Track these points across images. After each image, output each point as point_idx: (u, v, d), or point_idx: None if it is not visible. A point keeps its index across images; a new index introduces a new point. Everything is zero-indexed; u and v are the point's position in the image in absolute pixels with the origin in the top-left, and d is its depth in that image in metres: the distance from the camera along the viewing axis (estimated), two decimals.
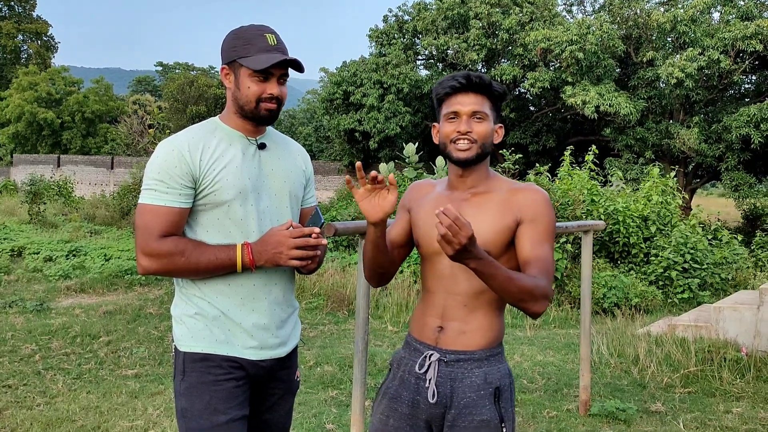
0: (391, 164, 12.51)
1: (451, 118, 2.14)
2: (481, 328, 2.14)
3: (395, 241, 2.29)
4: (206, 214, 2.15)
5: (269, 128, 2.32)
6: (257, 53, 2.13)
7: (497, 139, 2.21)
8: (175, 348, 2.20)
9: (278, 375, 2.30)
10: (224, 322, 2.16)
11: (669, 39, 22.95)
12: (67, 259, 11.81)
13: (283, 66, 2.16)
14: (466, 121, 2.11)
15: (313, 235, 2.13)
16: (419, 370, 2.17)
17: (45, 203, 19.60)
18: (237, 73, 2.17)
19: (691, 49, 20.79)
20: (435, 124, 2.26)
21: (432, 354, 2.15)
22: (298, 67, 2.19)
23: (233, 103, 2.21)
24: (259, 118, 2.20)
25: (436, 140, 2.24)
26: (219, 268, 2.12)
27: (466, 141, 2.11)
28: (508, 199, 2.13)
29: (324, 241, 2.15)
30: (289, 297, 2.31)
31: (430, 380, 2.13)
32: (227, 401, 2.12)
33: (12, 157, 42.31)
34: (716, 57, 20.38)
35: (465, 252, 1.79)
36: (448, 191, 2.22)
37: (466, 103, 2.12)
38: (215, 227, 2.16)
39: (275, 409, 2.33)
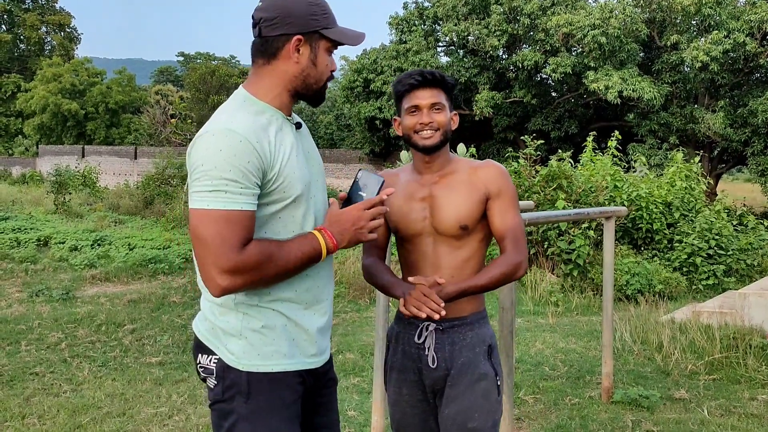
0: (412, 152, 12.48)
1: (413, 112, 2.35)
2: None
3: (383, 240, 2.51)
4: (265, 215, 1.88)
5: None
6: (336, 25, 1.92)
7: (454, 126, 2.43)
8: (226, 366, 1.91)
9: (327, 376, 2.14)
10: (290, 330, 1.94)
11: (693, 22, 22.55)
12: (92, 248, 11.94)
13: None
14: (426, 113, 2.33)
15: (382, 208, 2.00)
16: (418, 340, 2.38)
17: (70, 193, 19.82)
18: (315, 46, 1.90)
19: (716, 32, 20.44)
20: (396, 117, 2.46)
21: (428, 324, 2.36)
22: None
23: (295, 80, 1.93)
24: (321, 98, 2.01)
25: (398, 132, 2.45)
26: (306, 263, 1.89)
27: (428, 130, 2.33)
28: (471, 177, 2.37)
29: (388, 209, 2.05)
30: (333, 293, 2.14)
31: (428, 348, 2.35)
32: (292, 423, 1.96)
33: (37, 148, 42.85)
34: (742, 40, 20.02)
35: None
36: (416, 176, 2.43)
37: (425, 96, 2.34)
38: (272, 230, 1.90)
39: (326, 412, 2.17)
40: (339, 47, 1.98)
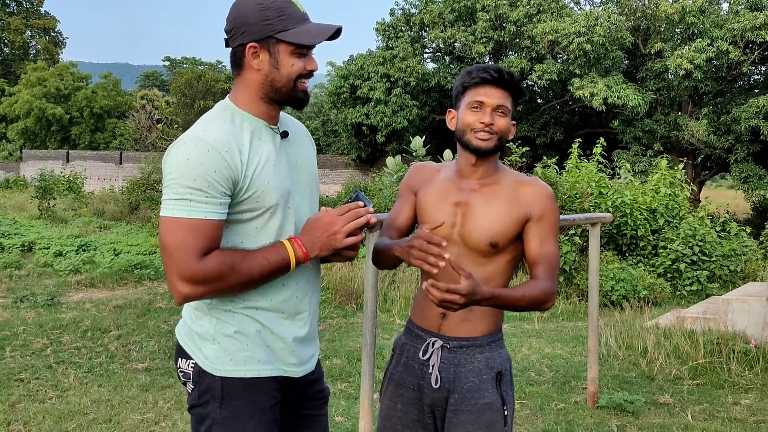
0: (399, 158, 12.51)
1: (475, 108, 2.16)
2: (484, 314, 2.20)
3: (404, 226, 2.30)
4: (241, 225, 1.88)
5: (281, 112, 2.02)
6: (298, 25, 1.86)
7: (510, 136, 2.24)
8: (202, 370, 1.91)
9: (313, 388, 2.10)
10: (265, 337, 1.92)
11: (677, 30, 22.81)
12: (77, 253, 11.87)
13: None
14: (490, 113, 2.14)
15: (362, 210, 1.91)
16: (422, 356, 2.21)
17: (55, 198, 19.67)
18: (274, 50, 1.86)
19: (700, 40, 20.67)
20: (451, 110, 2.26)
21: (435, 341, 2.20)
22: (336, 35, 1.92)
23: (263, 87, 1.89)
24: (297, 101, 1.93)
25: (451, 126, 2.25)
26: (273, 273, 1.86)
27: (487, 132, 2.15)
28: (515, 193, 2.19)
29: (373, 219, 1.93)
30: (318, 303, 2.12)
31: (433, 366, 2.18)
32: (269, 429, 1.94)
33: (21, 152, 42.50)
34: (725, 48, 20.27)
35: (469, 303, 1.91)
36: (456, 179, 2.25)
37: (493, 95, 2.15)
38: (250, 240, 1.88)
39: (313, 425, 2.12)
40: (328, 43, 1.95)
